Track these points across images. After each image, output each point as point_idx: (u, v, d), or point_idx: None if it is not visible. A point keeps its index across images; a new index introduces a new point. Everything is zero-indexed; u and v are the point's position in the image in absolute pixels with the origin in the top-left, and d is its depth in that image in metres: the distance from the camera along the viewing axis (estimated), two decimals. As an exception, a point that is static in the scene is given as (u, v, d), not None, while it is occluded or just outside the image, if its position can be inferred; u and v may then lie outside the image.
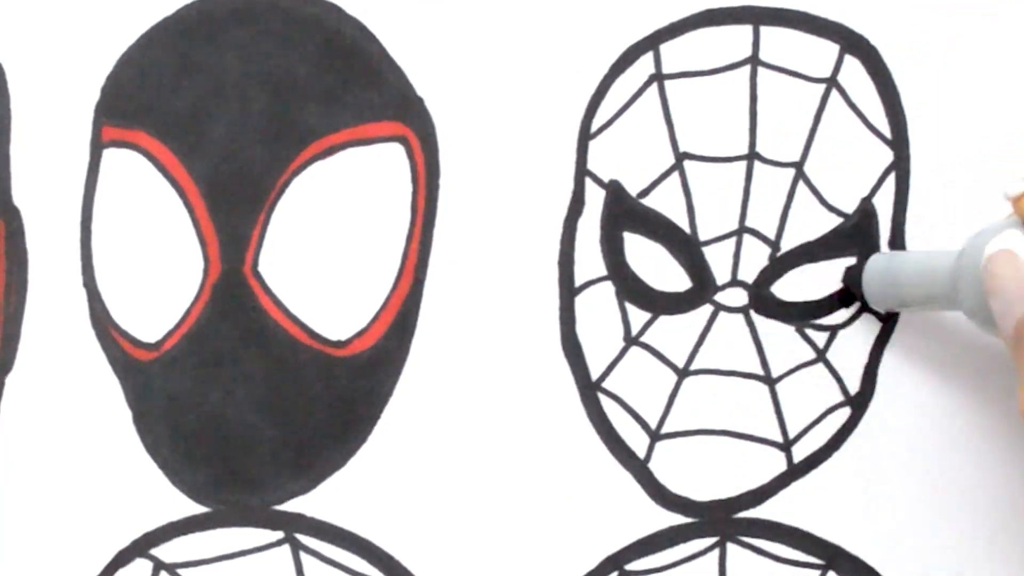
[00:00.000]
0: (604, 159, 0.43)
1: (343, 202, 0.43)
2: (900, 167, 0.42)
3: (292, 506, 0.43)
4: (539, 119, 0.43)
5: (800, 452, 0.42)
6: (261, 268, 0.43)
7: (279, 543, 0.43)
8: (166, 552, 0.43)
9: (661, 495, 0.42)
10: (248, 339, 0.43)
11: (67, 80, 0.43)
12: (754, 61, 0.42)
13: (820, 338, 0.43)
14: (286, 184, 0.43)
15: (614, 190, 0.43)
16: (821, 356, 0.42)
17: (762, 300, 0.42)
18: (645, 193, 0.43)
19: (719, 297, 0.43)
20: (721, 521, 0.42)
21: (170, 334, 0.43)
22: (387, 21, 0.43)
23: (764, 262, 0.42)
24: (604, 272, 0.43)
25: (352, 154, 0.43)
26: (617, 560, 0.42)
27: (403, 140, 0.43)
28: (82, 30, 0.43)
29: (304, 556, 0.43)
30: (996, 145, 0.42)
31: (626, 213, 0.43)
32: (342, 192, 0.43)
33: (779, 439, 0.42)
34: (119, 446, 0.43)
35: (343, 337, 0.43)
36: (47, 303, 0.43)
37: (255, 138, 0.43)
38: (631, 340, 0.43)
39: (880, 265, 0.41)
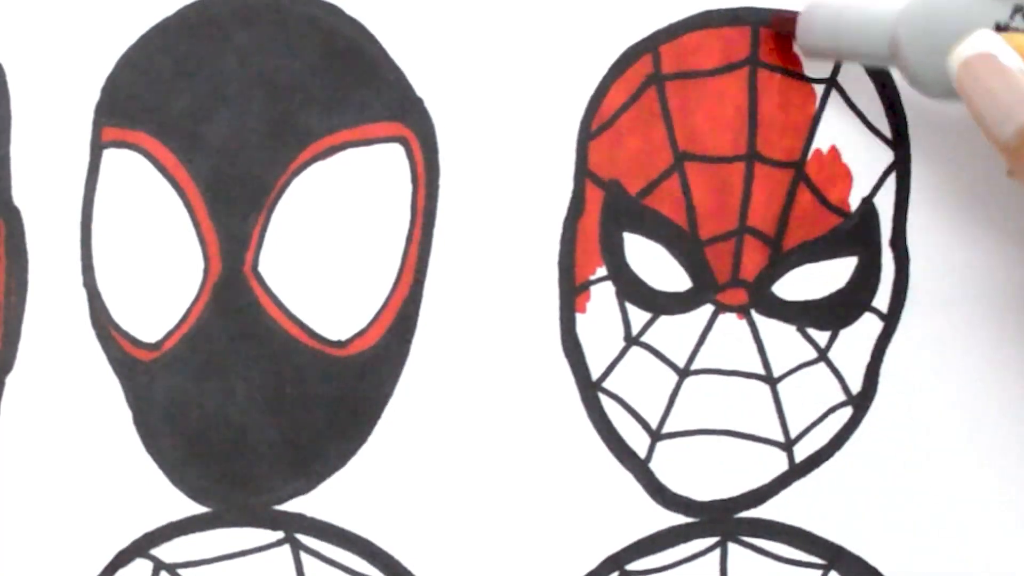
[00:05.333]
0: (604, 159, 0.43)
1: (343, 202, 0.43)
2: (900, 167, 0.43)
3: (292, 506, 0.43)
4: (539, 119, 0.43)
5: (802, 452, 0.42)
6: (261, 268, 0.43)
7: (279, 543, 0.43)
8: (166, 552, 0.43)
9: (662, 495, 0.42)
10: (248, 339, 0.43)
11: (67, 80, 0.43)
12: (753, 62, 0.43)
13: (821, 337, 0.43)
14: (286, 184, 0.43)
15: (614, 190, 0.43)
16: (822, 355, 0.43)
17: (763, 300, 0.43)
18: (645, 193, 0.43)
19: (719, 297, 0.43)
20: (722, 521, 0.42)
21: (170, 334, 0.43)
22: (387, 21, 0.43)
23: (764, 262, 0.42)
24: (604, 272, 0.43)
25: (352, 154, 0.43)
26: (618, 560, 0.42)
27: (403, 140, 0.43)
28: (82, 30, 0.43)
29: (304, 556, 0.43)
30: (996, 145, 0.42)
31: (626, 213, 0.43)
32: (342, 192, 0.43)
33: (780, 439, 0.42)
34: (119, 446, 0.43)
35: (343, 337, 0.43)
36: (47, 303, 0.43)
37: (255, 138, 0.43)
38: (631, 340, 0.43)
39: (818, 11, 0.41)
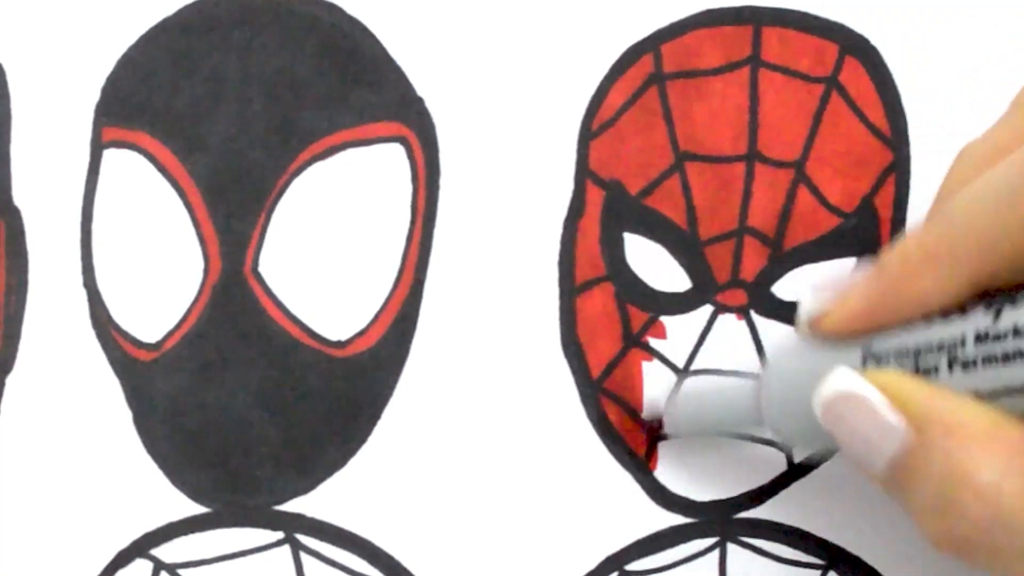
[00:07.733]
0: (605, 159, 0.43)
1: (343, 202, 0.43)
2: (900, 167, 0.42)
3: (292, 506, 0.43)
4: (539, 119, 0.43)
5: (801, 452, 0.42)
6: (261, 268, 0.43)
7: (279, 543, 0.43)
8: (166, 552, 0.43)
9: (661, 495, 0.42)
10: (248, 339, 0.43)
11: (67, 80, 0.43)
12: (754, 61, 0.42)
13: (820, 338, 0.42)
14: (286, 184, 0.43)
15: (615, 190, 0.43)
16: (822, 356, 0.42)
17: (762, 300, 0.42)
18: (645, 193, 0.43)
19: (719, 297, 0.43)
20: (721, 521, 0.42)
21: (170, 334, 0.43)
22: (387, 21, 0.43)
23: (764, 262, 0.42)
24: (604, 272, 0.43)
25: (352, 154, 0.43)
26: (617, 560, 0.42)
27: (403, 140, 0.43)
28: (82, 30, 0.43)
29: (304, 556, 0.43)
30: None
31: (626, 213, 0.43)
32: (342, 192, 0.43)
33: (780, 439, 0.42)
34: (119, 446, 0.43)
35: (343, 337, 0.43)
36: (47, 303, 0.43)
37: (255, 138, 0.43)
38: (631, 340, 0.43)
39: (679, 398, 0.42)
